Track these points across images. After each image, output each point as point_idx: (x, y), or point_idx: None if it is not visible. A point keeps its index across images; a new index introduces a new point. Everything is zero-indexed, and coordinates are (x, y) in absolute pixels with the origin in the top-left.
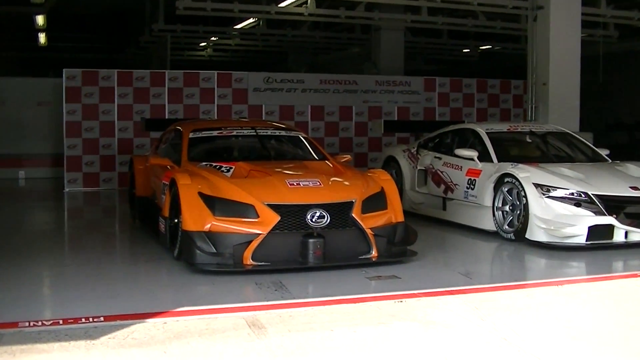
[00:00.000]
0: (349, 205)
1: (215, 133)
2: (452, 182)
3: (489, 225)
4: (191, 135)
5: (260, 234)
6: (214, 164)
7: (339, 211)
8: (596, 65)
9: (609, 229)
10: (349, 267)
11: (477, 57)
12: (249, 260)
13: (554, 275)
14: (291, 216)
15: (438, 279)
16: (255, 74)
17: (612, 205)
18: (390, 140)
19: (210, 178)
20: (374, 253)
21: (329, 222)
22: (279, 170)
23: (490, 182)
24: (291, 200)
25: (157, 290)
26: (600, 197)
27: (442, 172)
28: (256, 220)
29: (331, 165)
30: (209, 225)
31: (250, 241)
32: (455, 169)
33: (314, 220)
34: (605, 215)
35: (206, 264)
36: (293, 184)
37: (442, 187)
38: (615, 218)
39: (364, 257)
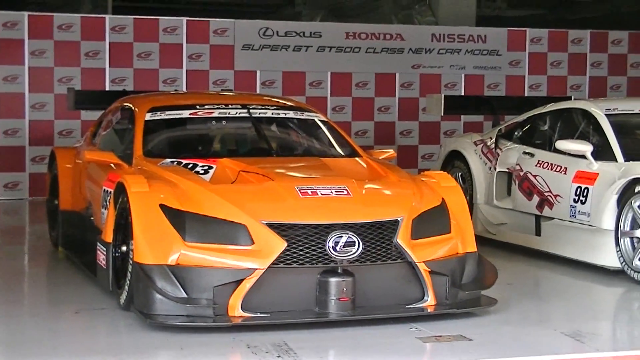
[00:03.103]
0: (392, 226)
1: (185, 114)
2: (550, 192)
3: (609, 259)
4: (148, 116)
5: (255, 269)
6: (184, 162)
7: (377, 236)
8: None
9: None
10: (392, 322)
11: None
12: (237, 311)
13: None
14: (304, 242)
15: (530, 343)
16: (246, 22)
17: None
18: (454, 127)
19: (178, 183)
20: (430, 300)
21: (362, 252)
22: (284, 171)
23: (613, 192)
24: (304, 218)
25: None
26: None
27: (535, 176)
28: (250, 248)
29: (364, 165)
30: (175, 256)
31: (240, 281)
32: (555, 171)
33: (338, 248)
34: None
35: (171, 315)
36: (306, 193)
37: (536, 199)
38: None
39: (414, 305)
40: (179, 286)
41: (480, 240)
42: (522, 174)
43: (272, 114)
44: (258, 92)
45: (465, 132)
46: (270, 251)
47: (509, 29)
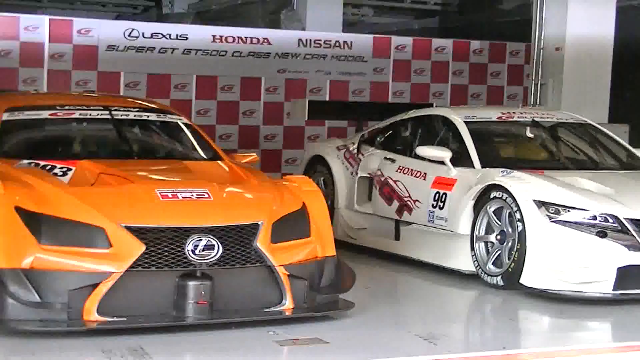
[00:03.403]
0: (251, 229)
1: (44, 114)
2: (410, 197)
3: (465, 263)
4: (5, 116)
5: (112, 272)
6: (42, 163)
7: (237, 239)
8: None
9: None
10: (250, 325)
11: (456, 6)
12: (93, 315)
13: (563, 341)
14: (162, 246)
15: (385, 345)
16: (111, 23)
17: None
18: (318, 132)
19: (34, 184)
20: (288, 304)
21: (221, 256)
22: (145, 174)
23: (469, 197)
24: (163, 221)
25: None
26: (637, 223)
27: (395, 181)
28: (107, 251)
29: (226, 169)
30: (30, 259)
31: (96, 284)
32: (415, 177)
33: (197, 252)
34: None
35: (24, 320)
36: (167, 196)
37: (395, 204)
38: None
39: (273, 309)
40: (33, 290)
41: (341, 244)
42: (382, 179)
43: (135, 116)
44: (122, 93)
45: (329, 137)
46: (128, 254)
47: (374, 35)
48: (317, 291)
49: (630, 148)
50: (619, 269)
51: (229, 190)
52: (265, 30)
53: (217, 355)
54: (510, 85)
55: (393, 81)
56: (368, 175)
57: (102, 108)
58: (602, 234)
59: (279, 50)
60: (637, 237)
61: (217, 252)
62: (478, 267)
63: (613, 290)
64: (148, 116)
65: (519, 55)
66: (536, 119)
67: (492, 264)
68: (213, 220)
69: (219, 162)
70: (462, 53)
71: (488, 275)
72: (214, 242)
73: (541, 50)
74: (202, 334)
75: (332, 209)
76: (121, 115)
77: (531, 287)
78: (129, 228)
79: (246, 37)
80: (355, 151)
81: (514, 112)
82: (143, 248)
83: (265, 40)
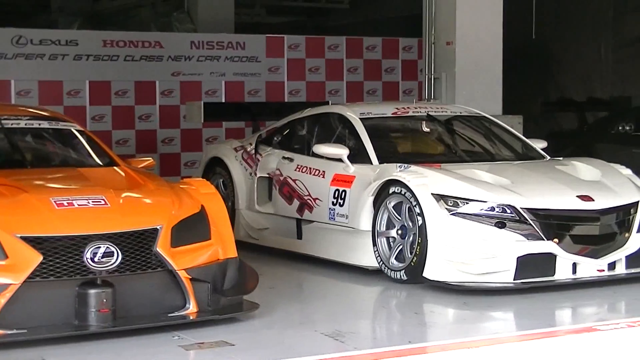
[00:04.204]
0: (151, 234)
1: None
2: (310, 195)
3: (367, 259)
4: None
5: (9, 284)
6: None
7: (136, 245)
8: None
9: (549, 260)
10: (154, 331)
11: (347, 3)
12: None
13: (468, 332)
14: (61, 255)
15: (291, 345)
16: None
17: (552, 224)
18: (216, 134)
19: None
20: (192, 307)
21: (121, 262)
22: (39, 183)
23: (369, 194)
24: (60, 229)
25: None
26: (534, 212)
27: (294, 180)
28: (3, 262)
29: (122, 174)
30: None
31: None
32: (314, 175)
33: (96, 259)
34: (543, 239)
35: None
36: (62, 204)
37: (296, 203)
38: (558, 244)
39: (177, 313)
40: None
41: (243, 245)
42: (282, 178)
43: (26, 124)
44: (13, 102)
45: (227, 138)
46: (25, 265)
47: (267, 35)
48: (220, 293)
49: (525, 139)
50: (518, 258)
51: (125, 195)
52: (157, 33)
53: None
54: (405, 81)
55: (288, 80)
56: (267, 176)
57: None
58: (501, 224)
59: (172, 53)
60: (535, 226)
61: (117, 259)
62: (381, 262)
63: (514, 279)
64: (40, 124)
65: (412, 50)
66: (431, 113)
67: (395, 259)
68: (111, 226)
69: (114, 168)
70: (356, 50)
71: (391, 270)
72: (113, 249)
73: (432, 45)
74: (105, 342)
75: (233, 210)
76: (12, 124)
77: (434, 280)
78: (24, 238)
79: (137, 41)
80: (253, 152)
81: (408, 107)
82: (40, 258)
83: (157, 44)
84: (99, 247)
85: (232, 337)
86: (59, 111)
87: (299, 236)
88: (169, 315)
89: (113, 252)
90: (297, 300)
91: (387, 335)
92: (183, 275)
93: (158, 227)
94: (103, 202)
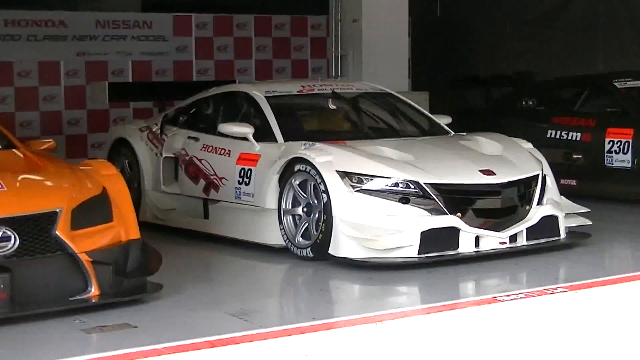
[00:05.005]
0: (49, 218)
1: None
2: (216, 175)
3: (274, 238)
4: None
5: None
6: None
7: (34, 228)
8: None
9: (452, 234)
10: (55, 316)
11: None
12: None
13: (374, 307)
14: None
15: (196, 326)
16: None
17: (455, 198)
18: (124, 115)
19: None
20: (94, 291)
21: (19, 247)
22: None
23: (274, 172)
24: None
25: None
26: (437, 187)
27: (200, 160)
28: None
29: (21, 157)
30: None
31: None
32: (220, 154)
33: None
34: (447, 214)
35: None
36: None
37: (202, 183)
38: (461, 218)
39: (78, 297)
40: None
41: (150, 226)
42: (187, 158)
43: None
44: None
45: (135, 119)
46: None
47: (174, 14)
48: (123, 276)
49: (430, 115)
50: (422, 232)
51: (23, 178)
52: (61, 12)
53: (22, 349)
54: (314, 59)
55: (196, 59)
56: (173, 156)
57: None
58: (405, 200)
59: (76, 32)
60: (438, 201)
61: (15, 244)
62: (287, 240)
63: (418, 254)
64: None
65: (320, 28)
66: (336, 91)
67: (301, 236)
68: (8, 210)
69: (13, 150)
70: (265, 28)
71: (298, 248)
72: (10, 234)
73: (339, 23)
74: (3, 328)
75: (139, 191)
76: None
77: (340, 257)
78: None
79: (41, 20)
80: (159, 132)
81: (314, 85)
82: None
83: (61, 23)
84: None
85: (136, 320)
86: None
87: (206, 216)
88: (70, 299)
89: (10, 236)
90: (203, 280)
91: (295, 312)
92: (84, 258)
93: (57, 210)
94: (0, 186)
